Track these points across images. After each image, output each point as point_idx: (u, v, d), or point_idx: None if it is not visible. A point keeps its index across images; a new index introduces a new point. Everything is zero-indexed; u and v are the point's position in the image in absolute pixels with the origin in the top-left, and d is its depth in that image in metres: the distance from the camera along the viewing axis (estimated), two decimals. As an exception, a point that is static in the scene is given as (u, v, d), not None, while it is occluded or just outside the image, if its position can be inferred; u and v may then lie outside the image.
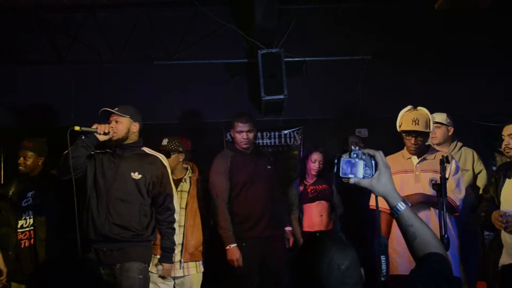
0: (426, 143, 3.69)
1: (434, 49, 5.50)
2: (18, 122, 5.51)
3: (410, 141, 3.55)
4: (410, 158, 3.61)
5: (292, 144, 5.76)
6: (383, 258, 1.57)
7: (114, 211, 3.31)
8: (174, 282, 3.94)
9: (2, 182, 5.19)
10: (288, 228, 4.24)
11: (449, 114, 4.36)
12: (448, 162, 3.17)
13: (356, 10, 5.61)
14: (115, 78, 5.64)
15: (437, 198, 3.27)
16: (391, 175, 1.55)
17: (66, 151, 3.28)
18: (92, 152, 3.42)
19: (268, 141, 5.67)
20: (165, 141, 3.98)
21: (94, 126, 3.33)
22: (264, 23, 5.00)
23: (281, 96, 5.12)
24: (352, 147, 1.51)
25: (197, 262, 4.01)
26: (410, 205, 1.57)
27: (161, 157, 3.59)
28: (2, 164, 5.44)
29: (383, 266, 1.56)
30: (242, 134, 4.05)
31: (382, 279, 1.55)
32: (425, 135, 3.56)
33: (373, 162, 1.53)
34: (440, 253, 1.51)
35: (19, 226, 3.84)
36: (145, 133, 5.08)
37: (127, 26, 5.64)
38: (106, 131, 3.33)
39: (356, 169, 1.51)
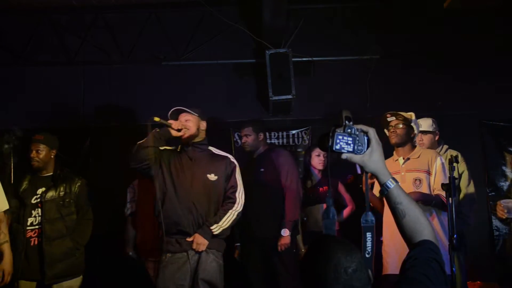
0: (413, 144, 3.74)
1: (444, 49, 5.47)
2: (28, 123, 5.55)
3: (389, 131, 3.64)
4: (397, 160, 3.68)
5: (300, 144, 5.75)
6: (368, 235, 1.55)
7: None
8: None
9: (12, 182, 5.22)
10: (282, 231, 4.05)
11: (458, 114, 4.35)
12: (457, 161, 3.18)
13: (364, 9, 5.60)
14: (124, 79, 5.68)
15: (431, 197, 3.41)
16: (382, 152, 1.53)
17: (140, 141, 3.40)
18: (162, 149, 3.53)
19: (276, 141, 5.67)
20: None
21: (170, 121, 3.45)
22: (272, 23, 5.00)
23: (289, 96, 5.12)
24: (347, 122, 1.49)
25: None
26: (399, 182, 1.55)
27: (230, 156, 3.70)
28: (12, 164, 5.48)
29: (369, 243, 1.55)
30: (241, 138, 4.42)
31: (367, 255, 1.53)
32: (405, 125, 3.61)
33: (365, 138, 1.50)
34: (432, 240, 1.51)
35: (28, 223, 3.86)
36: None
37: (135, 27, 5.67)
38: (179, 127, 3.45)
39: (349, 144, 1.48)
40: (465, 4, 4.88)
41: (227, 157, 3.63)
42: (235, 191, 3.54)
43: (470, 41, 5.35)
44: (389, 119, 3.66)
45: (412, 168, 3.57)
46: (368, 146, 1.50)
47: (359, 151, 1.49)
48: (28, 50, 5.66)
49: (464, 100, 5.42)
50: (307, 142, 5.71)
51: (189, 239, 3.38)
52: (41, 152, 3.96)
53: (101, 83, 5.67)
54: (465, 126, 5.35)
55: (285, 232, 4.01)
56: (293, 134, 5.74)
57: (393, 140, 3.64)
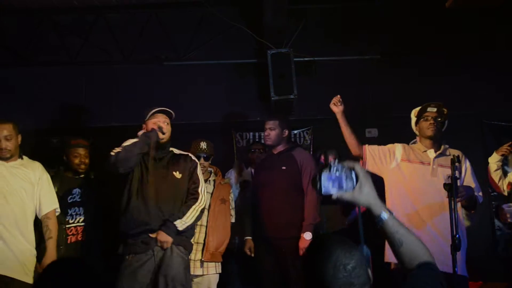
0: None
1: (445, 49, 5.47)
2: (29, 122, 5.54)
3: (428, 122, 3.49)
4: (425, 151, 3.54)
5: (302, 144, 5.75)
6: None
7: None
8: (192, 280, 3.96)
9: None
10: (305, 235, 3.91)
11: (459, 114, 4.33)
12: (459, 161, 3.16)
13: (366, 9, 5.60)
14: (125, 79, 5.68)
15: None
16: (372, 184, 1.55)
17: (126, 145, 3.42)
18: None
19: (277, 141, 5.67)
20: (203, 145, 4.12)
21: (160, 125, 3.51)
22: (273, 23, 5.00)
23: (291, 96, 5.12)
24: (332, 163, 1.51)
25: (217, 263, 4.04)
26: (393, 213, 1.57)
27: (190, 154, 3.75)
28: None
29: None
30: (265, 131, 4.23)
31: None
32: (443, 119, 3.52)
33: (353, 173, 1.53)
34: (431, 261, 1.53)
35: (65, 221, 3.92)
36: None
37: (137, 27, 5.68)
38: (166, 131, 3.53)
39: (337, 184, 1.51)
40: (466, 3, 4.87)
41: (188, 155, 3.69)
42: (197, 187, 3.58)
43: (470, 41, 5.35)
44: (429, 110, 3.51)
45: (446, 165, 3.42)
46: (356, 181, 1.53)
47: (349, 188, 1.52)
48: (29, 50, 5.65)
49: (465, 100, 5.42)
50: (308, 142, 5.71)
51: (152, 235, 3.37)
52: (88, 157, 4.09)
53: (102, 83, 5.68)
54: (466, 126, 5.35)
55: (308, 236, 3.85)
56: (295, 134, 5.74)
57: (430, 132, 3.50)
